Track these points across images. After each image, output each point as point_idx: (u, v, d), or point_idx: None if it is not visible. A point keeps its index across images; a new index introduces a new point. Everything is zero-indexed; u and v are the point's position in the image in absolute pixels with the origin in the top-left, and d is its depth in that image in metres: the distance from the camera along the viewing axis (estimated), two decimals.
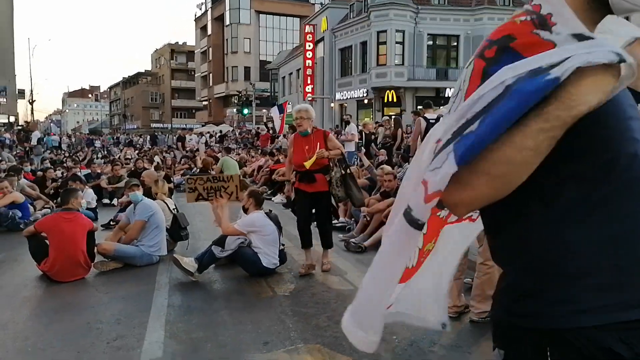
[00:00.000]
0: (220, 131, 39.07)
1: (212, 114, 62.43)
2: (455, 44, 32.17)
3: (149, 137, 39.59)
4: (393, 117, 17.39)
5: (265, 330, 4.00)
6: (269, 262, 5.49)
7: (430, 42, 32.02)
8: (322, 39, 36.87)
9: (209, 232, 7.91)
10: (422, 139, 8.40)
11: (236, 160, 15.20)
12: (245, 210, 5.83)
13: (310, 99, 37.07)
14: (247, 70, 58.85)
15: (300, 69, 40.05)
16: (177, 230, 6.72)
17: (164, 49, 78.04)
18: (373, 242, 6.77)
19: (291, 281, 5.37)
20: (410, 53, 31.00)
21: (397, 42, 30.96)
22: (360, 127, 16.66)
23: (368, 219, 7.20)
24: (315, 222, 5.82)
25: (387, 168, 7.59)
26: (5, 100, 41.56)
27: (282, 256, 5.74)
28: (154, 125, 71.08)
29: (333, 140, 5.62)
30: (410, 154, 8.44)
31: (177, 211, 7.06)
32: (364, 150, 13.80)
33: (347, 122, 15.88)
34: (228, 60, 59.84)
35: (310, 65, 37.24)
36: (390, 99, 31.50)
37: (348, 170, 5.65)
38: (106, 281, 5.45)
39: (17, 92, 45.97)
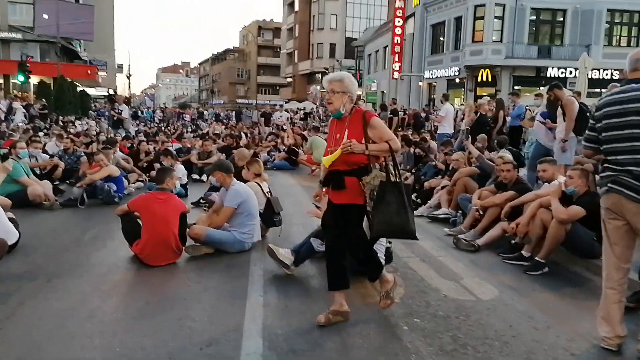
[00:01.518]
0: (304, 108, 38.92)
1: (296, 91, 62.64)
2: (562, 19, 29.65)
3: (234, 112, 40.20)
4: (496, 97, 16.09)
5: (377, 349, 3.40)
6: None
7: (533, 17, 29.69)
8: (413, 14, 35.38)
9: (300, 217, 7.46)
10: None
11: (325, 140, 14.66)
12: None
13: (397, 77, 35.89)
14: (332, 47, 58.28)
15: (387, 45, 38.81)
16: (270, 216, 6.26)
17: (252, 26, 79.02)
18: (488, 240, 5.99)
19: (399, 283, 4.69)
20: (510, 29, 28.94)
21: (495, 17, 29.02)
22: (457, 108, 15.54)
23: (481, 213, 6.38)
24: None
25: (507, 157, 6.68)
26: (105, 74, 43.71)
27: (388, 254, 5.10)
28: (239, 100, 72.56)
29: (378, 128, 3.65)
30: (565, 137, 7.42)
31: (271, 194, 6.59)
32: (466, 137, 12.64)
33: (443, 101, 14.74)
34: (314, 37, 59.52)
35: (398, 42, 35.88)
36: (484, 79, 29.69)
37: (395, 178, 3.63)
38: (197, 268, 5.07)
39: (116, 67, 48.20)
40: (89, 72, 43.24)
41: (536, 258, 5.22)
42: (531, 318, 4.01)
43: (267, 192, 6.53)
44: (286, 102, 49.49)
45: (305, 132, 19.09)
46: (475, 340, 3.56)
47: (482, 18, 29.07)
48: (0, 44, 40.51)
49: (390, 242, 5.27)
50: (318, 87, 52.46)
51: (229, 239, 5.59)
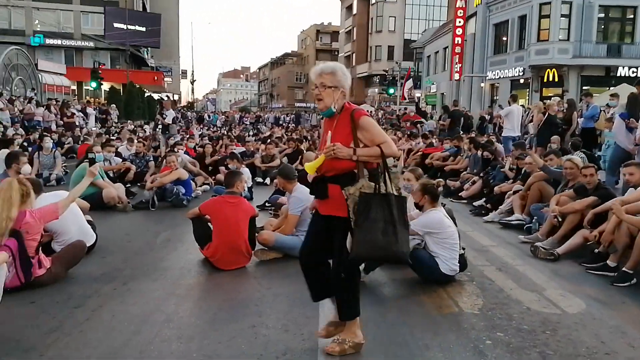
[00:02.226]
0: None
1: (354, 94, 62.48)
2: (632, 16, 28.05)
3: (293, 116, 40.57)
4: (568, 98, 15.33)
5: None
6: (448, 268, 4.67)
7: (602, 15, 28.24)
8: (474, 14, 34.45)
9: None
10: None
11: None
12: (420, 208, 5.01)
13: (457, 78, 35.07)
14: (390, 49, 57.81)
15: (447, 46, 38.02)
16: None
17: (310, 30, 79.66)
18: (568, 249, 5.63)
19: (476, 293, 4.50)
20: (577, 27, 27.63)
21: (562, 15, 27.79)
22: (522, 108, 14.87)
23: (559, 219, 6.02)
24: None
25: (577, 160, 6.29)
26: (171, 79, 45.31)
27: (462, 261, 4.89)
28: (297, 104, 73.23)
29: (369, 130, 3.10)
30: None
31: None
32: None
33: (510, 102, 14.10)
34: (372, 39, 59.27)
35: (459, 42, 35.07)
36: (550, 79, 28.45)
37: (386, 189, 3.04)
38: (267, 273, 5.04)
39: (180, 73, 49.85)
40: (156, 78, 45.00)
41: (623, 269, 4.85)
42: (624, 334, 3.71)
43: None
44: None
45: None
46: (566, 358, 3.32)
47: (547, 16, 27.94)
48: (74, 52, 42.84)
49: (464, 248, 5.06)
50: (376, 90, 52.18)
51: (297, 244, 5.49)
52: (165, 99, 20.45)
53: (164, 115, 16.21)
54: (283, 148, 13.72)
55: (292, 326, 3.74)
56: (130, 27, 39.68)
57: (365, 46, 60.55)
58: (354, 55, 64.14)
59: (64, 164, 11.47)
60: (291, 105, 72.96)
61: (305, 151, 12.47)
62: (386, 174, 3.08)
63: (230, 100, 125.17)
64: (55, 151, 11.42)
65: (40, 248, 4.59)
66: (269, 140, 16.43)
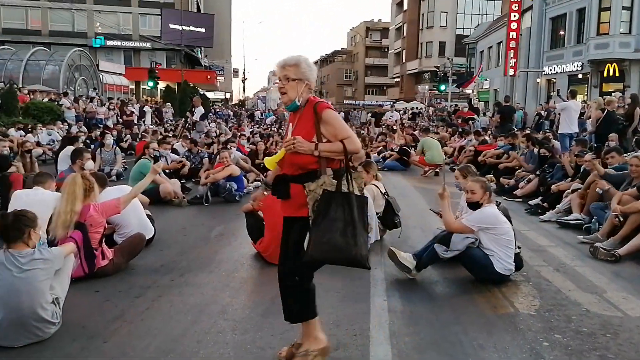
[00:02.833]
0: (413, 108, 38.30)
1: (404, 91, 61.88)
2: None
3: (342, 113, 40.55)
4: (630, 93, 14.62)
5: None
6: (503, 267, 4.57)
7: None
8: (530, 7, 33.34)
9: (417, 219, 7.29)
10: None
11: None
12: (475, 205, 4.89)
13: (512, 73, 34.07)
14: (442, 45, 56.80)
15: (501, 41, 36.94)
16: (391, 217, 6.14)
17: (360, 27, 79.33)
18: (630, 250, 5.39)
19: (532, 294, 4.38)
20: None
21: (623, 8, 26.46)
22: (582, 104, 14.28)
23: (621, 219, 5.77)
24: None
25: None
26: (223, 78, 46.26)
27: (518, 260, 4.77)
28: (346, 102, 73.17)
29: (332, 124, 2.93)
30: None
31: (388, 195, 6.46)
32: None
33: (568, 97, 13.55)
34: (423, 35, 58.42)
35: (514, 37, 33.98)
36: (610, 74, 27.16)
37: (349, 187, 2.89)
38: (319, 269, 5.07)
39: (232, 71, 50.76)
40: (209, 77, 46.05)
41: None
42: None
43: (385, 193, 6.42)
44: (394, 103, 49.09)
45: (416, 133, 18.73)
46: None
47: (607, 9, 26.64)
48: (132, 53, 44.47)
49: (519, 248, 4.93)
50: (426, 87, 51.46)
51: None
52: (195, 96, 20.93)
53: (193, 112, 16.58)
54: None
55: (343, 321, 3.77)
56: (185, 27, 40.77)
57: (416, 42, 59.72)
58: (404, 51, 63.41)
59: (123, 160, 11.93)
60: (340, 103, 72.92)
61: None
62: (349, 172, 2.90)
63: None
64: (115, 148, 11.91)
65: (103, 240, 4.81)
66: None
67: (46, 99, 20.66)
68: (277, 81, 3.07)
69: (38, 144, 13.15)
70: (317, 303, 4.08)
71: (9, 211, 4.01)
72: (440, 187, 4.85)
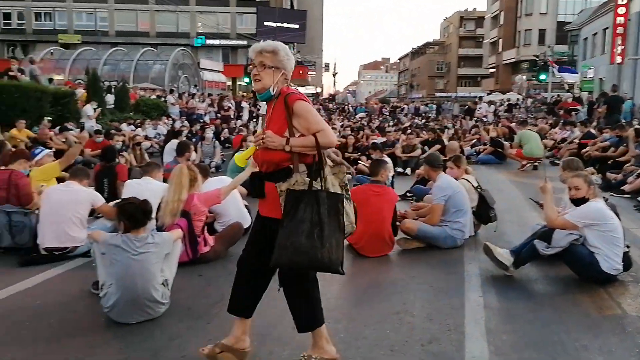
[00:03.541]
0: (509, 99, 36.61)
1: (499, 82, 59.31)
2: None
3: (434, 106, 39.70)
4: None
5: None
6: (610, 266, 4.28)
7: None
8: None
9: (513, 214, 7.03)
10: None
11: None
12: (580, 201, 4.59)
13: (620, 61, 31.46)
14: (541, 33, 53.76)
15: (608, 27, 34.20)
16: (486, 211, 5.95)
17: (453, 17, 77.04)
18: None
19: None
20: None
21: None
22: None
23: None
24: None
25: None
26: (314, 73, 46.96)
27: (626, 260, 4.44)
28: (438, 94, 71.47)
29: (304, 116, 2.72)
30: None
31: (481, 189, 6.27)
32: None
33: None
34: (521, 23, 55.62)
35: (622, 22, 31.38)
36: None
37: (322, 184, 2.69)
38: (411, 262, 5.06)
39: (323, 66, 51.37)
40: (301, 72, 46.90)
41: None
42: None
43: (477, 187, 6.23)
44: (488, 94, 47.23)
45: (512, 125, 17.93)
46: None
47: None
48: (230, 51, 46.43)
49: (628, 246, 4.60)
50: (524, 77, 48.92)
51: (440, 234, 5.47)
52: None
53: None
54: (424, 138, 13.51)
55: (436, 315, 3.72)
56: (279, 24, 41.86)
57: (513, 31, 56.96)
58: (500, 41, 60.70)
59: (221, 153, 12.51)
60: (431, 95, 71.37)
61: (448, 141, 12.21)
62: (323, 168, 2.71)
63: (370, 92, 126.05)
64: (214, 141, 12.52)
65: (205, 228, 5.10)
66: (409, 130, 16.33)
67: (153, 96, 22.12)
68: (252, 67, 2.87)
69: (146, 137, 14.15)
70: (411, 297, 4.09)
71: (123, 199, 4.36)
72: (542, 181, 4.63)
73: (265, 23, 43.91)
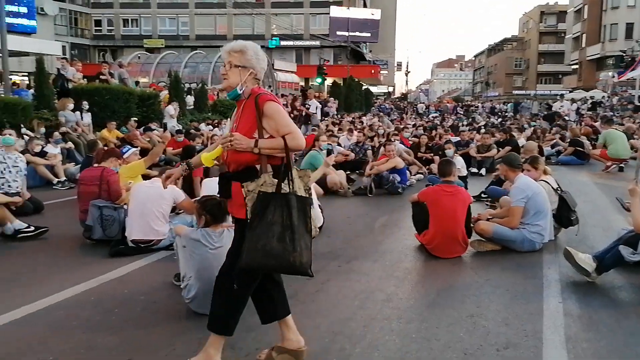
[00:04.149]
0: (593, 97, 34.66)
1: (582, 79, 56.23)
2: None
3: (511, 104, 38.31)
4: None
5: None
6: None
7: None
8: None
9: (597, 218, 6.68)
10: None
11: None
12: None
13: None
14: (629, 27, 50.54)
15: None
16: (566, 214, 5.69)
17: (533, 12, 73.91)
18: None
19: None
20: None
21: None
22: None
23: None
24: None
25: None
26: (386, 72, 46.70)
27: None
28: (515, 92, 68.91)
29: (273, 118, 2.71)
30: None
31: (562, 191, 6.00)
32: None
33: None
34: (606, 17, 52.53)
35: None
36: None
37: (290, 187, 2.68)
38: (485, 265, 4.94)
39: (395, 65, 50.98)
40: (373, 71, 46.82)
41: None
42: None
43: (557, 189, 5.97)
44: (570, 92, 44.89)
45: (596, 124, 16.97)
46: None
47: None
48: (303, 52, 47.17)
49: None
50: (610, 74, 46.05)
51: (517, 237, 5.29)
52: (309, 89, 21.13)
53: (307, 106, 16.64)
54: (499, 138, 13.09)
55: (513, 320, 3.62)
56: (351, 24, 42.00)
57: (598, 25, 53.79)
58: (583, 36, 57.51)
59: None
60: (508, 93, 68.83)
61: (526, 141, 11.76)
62: (291, 171, 2.68)
63: (443, 90, 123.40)
64: None
65: None
66: (483, 129, 15.87)
67: None
68: (222, 67, 2.88)
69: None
70: (485, 300, 4.00)
71: (203, 196, 4.56)
72: (631, 182, 4.38)
73: (338, 32, 44.32)
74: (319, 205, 6.24)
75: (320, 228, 6.06)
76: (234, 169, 2.80)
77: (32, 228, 5.92)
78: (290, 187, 2.66)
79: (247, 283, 2.83)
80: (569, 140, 13.67)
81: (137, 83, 19.06)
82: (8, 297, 4.08)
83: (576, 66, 60.56)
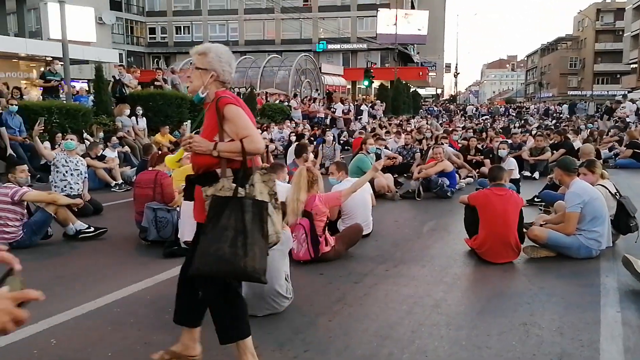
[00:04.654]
0: None
1: None
2: None
3: (566, 105, 37.05)
4: None
5: None
6: None
7: None
8: None
9: None
10: None
11: None
12: None
13: None
14: None
15: None
16: (625, 220, 5.46)
17: (589, 10, 71.11)
18: None
19: None
20: None
21: None
22: None
23: None
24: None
25: None
26: (435, 74, 46.12)
27: None
28: (570, 92, 66.54)
29: (233, 121, 2.66)
30: None
31: (620, 196, 5.75)
32: None
33: None
34: None
35: None
36: None
37: (246, 191, 2.59)
38: (539, 272, 4.80)
39: (444, 67, 50.28)
40: (420, 73, 46.31)
41: None
42: None
43: (615, 194, 5.74)
44: (629, 92, 42.91)
45: None
46: None
47: None
48: (350, 55, 47.24)
49: None
50: None
51: (573, 244, 5.12)
52: (334, 92, 20.94)
53: (333, 109, 16.40)
54: (553, 140, 12.68)
55: (568, 330, 3.50)
56: (399, 25, 41.69)
57: None
58: None
59: (341, 156, 12.76)
60: (563, 94, 66.52)
61: (582, 143, 11.34)
62: (252, 174, 2.62)
63: (494, 92, 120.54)
64: (335, 143, 12.81)
65: (326, 228, 5.26)
66: (536, 131, 15.42)
67: (277, 101, 23.15)
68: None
69: (271, 140, 14.86)
70: (539, 308, 3.89)
71: None
72: None
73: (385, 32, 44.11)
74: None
75: (366, 235, 6.04)
76: (196, 171, 2.80)
77: (92, 229, 6.19)
78: (249, 191, 2.60)
79: (216, 289, 2.76)
80: (627, 142, 13.09)
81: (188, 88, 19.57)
82: (71, 294, 4.28)
83: (635, 65, 57.80)
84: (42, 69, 18.12)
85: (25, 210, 5.84)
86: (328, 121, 19.67)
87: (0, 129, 10.26)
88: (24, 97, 13.96)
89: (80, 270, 5.03)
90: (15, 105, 10.82)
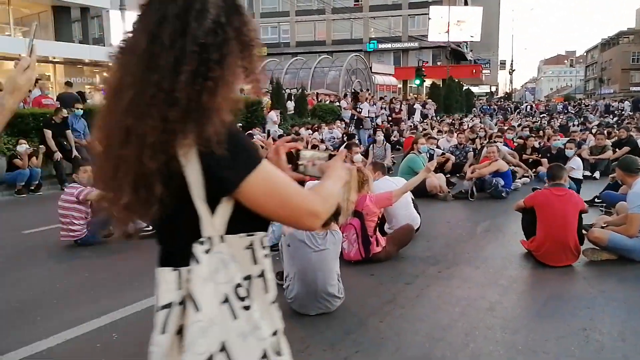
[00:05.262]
0: None
1: None
2: None
3: (628, 102, 35.34)
4: None
5: None
6: None
7: None
8: None
9: None
10: None
11: None
12: None
13: None
14: None
15: None
16: None
17: None
18: None
19: None
20: None
21: None
22: None
23: None
24: None
25: None
26: (489, 71, 45.02)
27: None
28: (633, 88, 63.32)
29: None
30: None
31: None
32: None
33: None
34: None
35: None
36: None
37: None
38: (600, 275, 4.62)
39: (498, 63, 49.03)
40: (474, 71, 45.33)
41: None
42: None
43: None
44: None
45: None
46: None
47: None
48: (401, 54, 46.83)
49: None
50: None
51: (636, 246, 4.88)
52: (361, 92, 20.34)
53: (359, 109, 15.96)
54: (615, 138, 12.11)
55: (630, 336, 3.36)
56: (452, 23, 40.96)
57: None
58: None
59: (392, 155, 12.67)
60: (625, 90, 63.36)
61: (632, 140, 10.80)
62: None
63: (551, 89, 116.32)
64: (385, 143, 12.73)
65: (377, 228, 5.25)
66: (597, 129, 14.78)
67: (328, 101, 23.22)
68: None
69: (322, 140, 14.93)
70: (599, 313, 3.74)
71: None
72: None
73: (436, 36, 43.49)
74: (416, 207, 6.13)
75: (417, 230, 5.96)
76: None
77: (151, 227, 6.40)
78: None
79: None
80: None
81: (241, 90, 19.91)
82: (129, 290, 4.46)
83: None
84: (105, 74, 18.93)
85: (89, 209, 6.12)
86: (348, 120, 19.41)
87: (66, 131, 10.80)
88: (87, 101, 14.61)
89: (137, 267, 5.21)
90: (81, 109, 11.35)
